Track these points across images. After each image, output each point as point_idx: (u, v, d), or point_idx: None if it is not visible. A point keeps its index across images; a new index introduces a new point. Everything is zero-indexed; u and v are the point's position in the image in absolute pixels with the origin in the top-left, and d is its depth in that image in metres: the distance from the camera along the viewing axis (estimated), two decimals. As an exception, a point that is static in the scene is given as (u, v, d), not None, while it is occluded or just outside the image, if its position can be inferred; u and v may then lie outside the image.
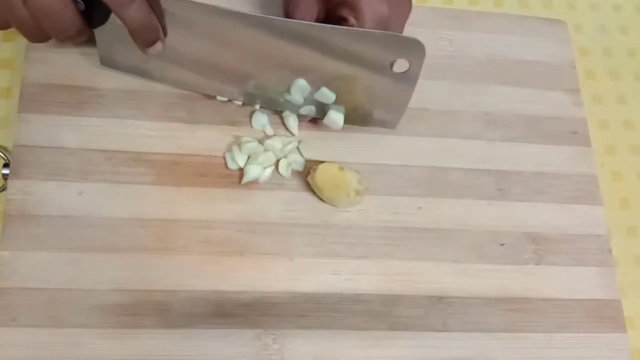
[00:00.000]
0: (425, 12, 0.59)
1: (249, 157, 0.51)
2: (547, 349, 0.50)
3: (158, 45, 0.46)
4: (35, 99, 0.50)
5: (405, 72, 0.48)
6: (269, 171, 0.51)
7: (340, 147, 0.53)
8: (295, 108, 0.52)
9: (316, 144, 0.53)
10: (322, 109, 0.52)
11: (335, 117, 0.51)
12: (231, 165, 0.51)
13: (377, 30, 0.47)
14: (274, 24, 0.46)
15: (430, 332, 0.49)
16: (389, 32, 0.46)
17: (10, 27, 0.44)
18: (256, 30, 0.46)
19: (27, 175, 0.48)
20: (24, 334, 0.44)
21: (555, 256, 0.53)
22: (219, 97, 0.52)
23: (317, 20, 0.49)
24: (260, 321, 0.47)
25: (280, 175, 0.51)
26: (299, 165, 0.52)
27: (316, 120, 0.53)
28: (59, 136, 0.49)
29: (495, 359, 0.49)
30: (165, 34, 0.46)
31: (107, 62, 0.51)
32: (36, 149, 0.49)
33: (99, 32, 0.47)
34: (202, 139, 0.51)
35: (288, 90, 0.50)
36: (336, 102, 0.51)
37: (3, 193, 0.48)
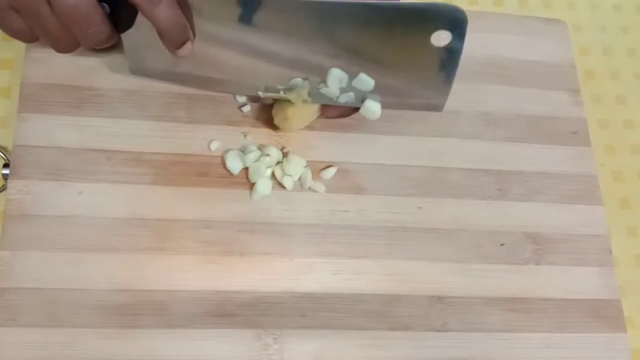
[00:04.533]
0: (425, 12, 0.59)
1: (253, 164, 0.51)
2: (547, 349, 0.50)
3: (188, 46, 0.44)
4: (35, 99, 0.50)
5: (446, 45, 0.45)
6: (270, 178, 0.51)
7: (339, 148, 0.53)
8: (331, 100, 0.50)
9: (316, 144, 0.53)
10: (360, 97, 0.49)
11: (373, 106, 0.49)
12: (232, 169, 0.50)
13: (413, 2, 0.44)
14: (304, 5, 0.43)
15: (430, 332, 0.49)
16: (427, 2, 0.43)
17: (37, 39, 0.43)
18: (285, 13, 0.44)
19: (27, 175, 0.48)
20: (23, 334, 0.44)
21: (555, 256, 0.53)
22: (239, 98, 0.51)
23: None
24: (260, 321, 0.47)
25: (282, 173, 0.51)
26: (298, 171, 0.51)
27: (343, 113, 0.51)
28: (58, 136, 0.49)
29: (495, 359, 0.50)
30: (194, 34, 0.44)
31: (136, 70, 0.50)
32: (36, 149, 0.49)
33: (126, 38, 0.45)
34: (202, 139, 0.51)
35: (324, 82, 0.48)
36: (375, 89, 0.48)
37: (3, 193, 0.48)
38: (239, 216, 0.50)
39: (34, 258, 0.46)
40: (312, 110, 0.51)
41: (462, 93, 0.57)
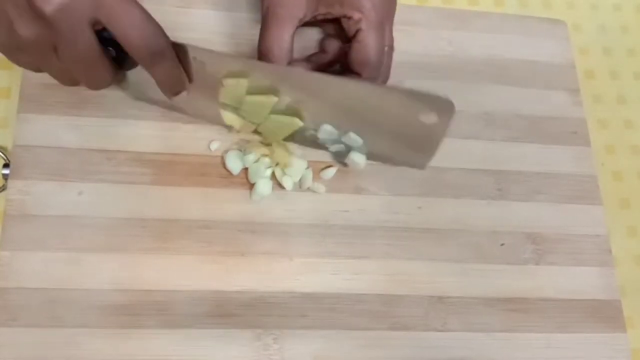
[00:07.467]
0: (425, 12, 0.59)
1: (253, 164, 0.51)
2: (547, 349, 0.50)
3: (182, 94, 0.47)
4: (35, 99, 0.50)
5: (433, 124, 0.47)
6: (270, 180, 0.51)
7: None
8: (321, 146, 0.52)
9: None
10: (348, 147, 0.51)
11: (358, 158, 0.51)
12: (232, 169, 0.50)
13: (404, 87, 0.46)
14: (298, 77, 0.46)
15: (430, 332, 0.49)
16: (418, 90, 0.45)
17: (42, 71, 0.44)
18: (278, 81, 0.46)
19: (27, 175, 0.48)
20: (24, 334, 0.44)
21: (555, 256, 0.53)
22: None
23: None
24: (260, 321, 0.47)
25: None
26: (299, 173, 0.51)
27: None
28: (58, 136, 0.49)
29: (495, 359, 0.50)
30: (190, 81, 0.46)
31: (138, 98, 0.51)
32: (36, 149, 0.49)
33: (131, 73, 0.47)
34: (202, 139, 0.51)
35: (316, 131, 0.50)
36: (363, 144, 0.50)
37: (3, 193, 0.48)
38: (239, 216, 0.50)
39: (34, 258, 0.46)
40: (288, 126, 0.51)
41: (462, 93, 0.57)
